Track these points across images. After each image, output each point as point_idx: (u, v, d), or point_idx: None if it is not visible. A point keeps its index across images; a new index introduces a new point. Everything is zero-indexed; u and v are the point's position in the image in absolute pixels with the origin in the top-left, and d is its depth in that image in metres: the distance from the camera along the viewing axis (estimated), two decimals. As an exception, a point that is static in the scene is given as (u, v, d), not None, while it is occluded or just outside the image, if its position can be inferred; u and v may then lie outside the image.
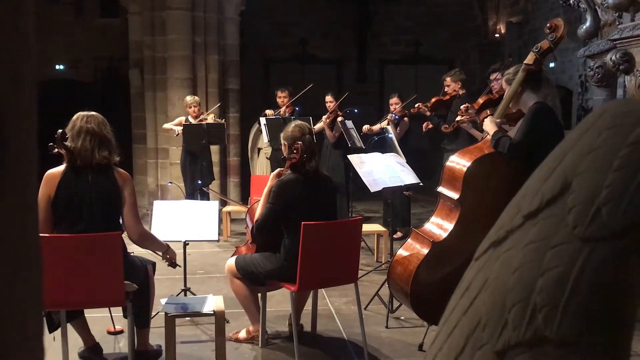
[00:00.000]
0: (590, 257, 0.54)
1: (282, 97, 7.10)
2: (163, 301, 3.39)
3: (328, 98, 6.92)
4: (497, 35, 11.32)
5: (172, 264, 3.52)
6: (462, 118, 4.87)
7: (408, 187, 4.57)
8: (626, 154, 0.55)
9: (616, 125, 0.56)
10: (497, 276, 0.59)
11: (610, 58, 3.93)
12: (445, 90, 5.97)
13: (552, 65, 8.88)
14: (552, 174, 0.59)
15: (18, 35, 0.46)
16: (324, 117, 6.90)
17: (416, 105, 6.04)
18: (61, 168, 3.15)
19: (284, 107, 7.00)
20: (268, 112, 7.18)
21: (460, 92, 5.88)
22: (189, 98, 6.87)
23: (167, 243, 3.57)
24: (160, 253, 3.54)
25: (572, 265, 0.54)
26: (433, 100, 5.92)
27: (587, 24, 4.26)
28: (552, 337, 0.54)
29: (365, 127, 6.69)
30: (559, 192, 0.57)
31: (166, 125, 7.08)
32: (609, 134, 0.56)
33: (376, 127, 6.64)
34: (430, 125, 5.93)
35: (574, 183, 0.56)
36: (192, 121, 6.72)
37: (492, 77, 5.15)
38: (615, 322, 0.55)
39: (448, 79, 5.96)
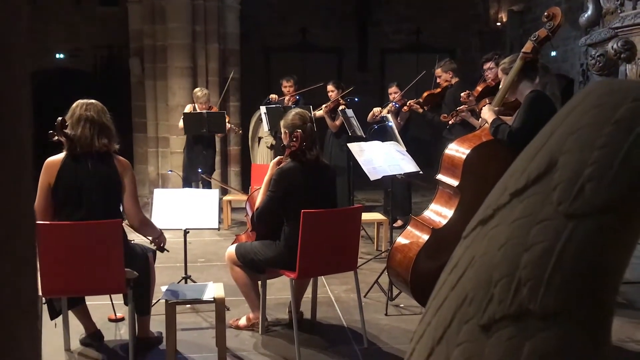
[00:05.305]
0: (573, 233, 0.55)
1: (287, 86, 7.05)
2: (163, 288, 3.41)
3: (329, 87, 6.89)
4: (498, 23, 11.27)
5: (161, 248, 3.50)
6: (462, 107, 4.90)
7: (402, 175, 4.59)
8: (610, 132, 0.56)
9: (601, 105, 0.57)
10: (484, 253, 0.60)
11: (612, 46, 3.92)
12: (437, 82, 5.93)
13: (553, 54, 8.84)
14: (539, 153, 0.60)
15: (7, 6, 0.46)
16: (324, 105, 6.87)
17: (408, 103, 6.00)
18: (61, 156, 3.16)
19: (289, 96, 6.97)
20: (272, 96, 7.06)
21: (453, 81, 5.84)
22: (199, 93, 6.67)
23: (165, 230, 3.58)
24: (150, 238, 3.50)
25: (557, 240, 0.55)
26: (424, 95, 5.88)
27: (589, 12, 4.25)
28: (535, 310, 0.55)
29: (377, 110, 6.54)
30: (545, 170, 0.58)
31: (180, 124, 6.93)
32: (594, 113, 0.57)
33: (385, 110, 6.55)
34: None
35: (560, 161, 0.57)
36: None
37: (485, 66, 5.19)
38: (596, 298, 0.56)
39: (438, 70, 5.90)
